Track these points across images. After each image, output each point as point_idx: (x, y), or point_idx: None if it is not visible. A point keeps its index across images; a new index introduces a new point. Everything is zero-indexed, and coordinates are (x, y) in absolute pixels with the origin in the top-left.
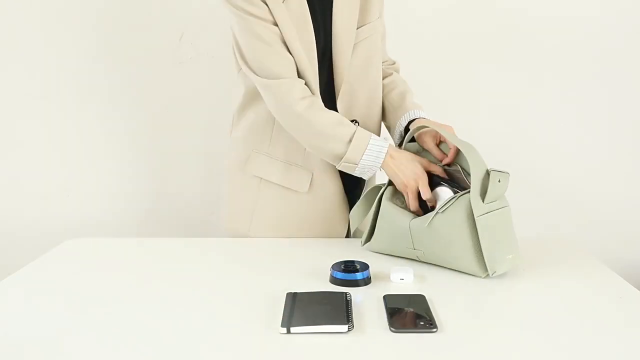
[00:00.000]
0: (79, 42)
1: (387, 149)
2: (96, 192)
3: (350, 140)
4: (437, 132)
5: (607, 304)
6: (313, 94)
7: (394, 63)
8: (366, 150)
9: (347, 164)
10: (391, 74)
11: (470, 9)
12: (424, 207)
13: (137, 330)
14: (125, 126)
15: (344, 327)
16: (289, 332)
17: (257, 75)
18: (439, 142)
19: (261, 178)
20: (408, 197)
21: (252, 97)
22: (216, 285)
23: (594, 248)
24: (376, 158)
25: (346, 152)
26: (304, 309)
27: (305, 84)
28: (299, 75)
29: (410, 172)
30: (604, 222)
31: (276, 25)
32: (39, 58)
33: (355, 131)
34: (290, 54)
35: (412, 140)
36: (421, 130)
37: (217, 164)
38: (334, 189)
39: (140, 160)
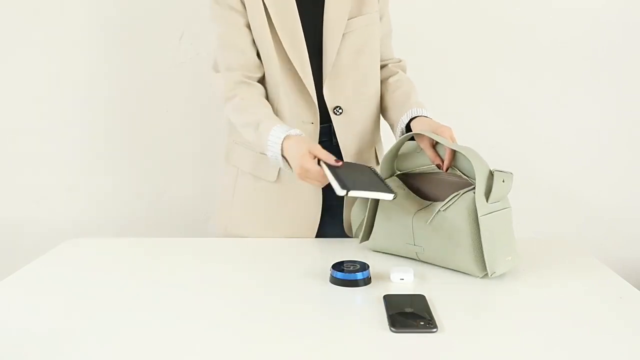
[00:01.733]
0: (78, 42)
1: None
2: (96, 192)
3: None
4: (435, 131)
5: (607, 304)
6: (302, 79)
7: (400, 61)
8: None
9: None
10: (397, 72)
11: (470, 6)
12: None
13: (136, 330)
14: (125, 126)
15: (390, 196)
16: (347, 194)
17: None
18: (435, 143)
19: (238, 168)
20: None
21: None
22: (215, 285)
23: (594, 248)
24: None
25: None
26: (351, 176)
27: (294, 69)
28: (288, 62)
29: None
30: (604, 221)
31: (245, 16)
32: (39, 58)
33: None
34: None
35: (412, 139)
36: (419, 131)
37: (217, 164)
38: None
39: (140, 160)
